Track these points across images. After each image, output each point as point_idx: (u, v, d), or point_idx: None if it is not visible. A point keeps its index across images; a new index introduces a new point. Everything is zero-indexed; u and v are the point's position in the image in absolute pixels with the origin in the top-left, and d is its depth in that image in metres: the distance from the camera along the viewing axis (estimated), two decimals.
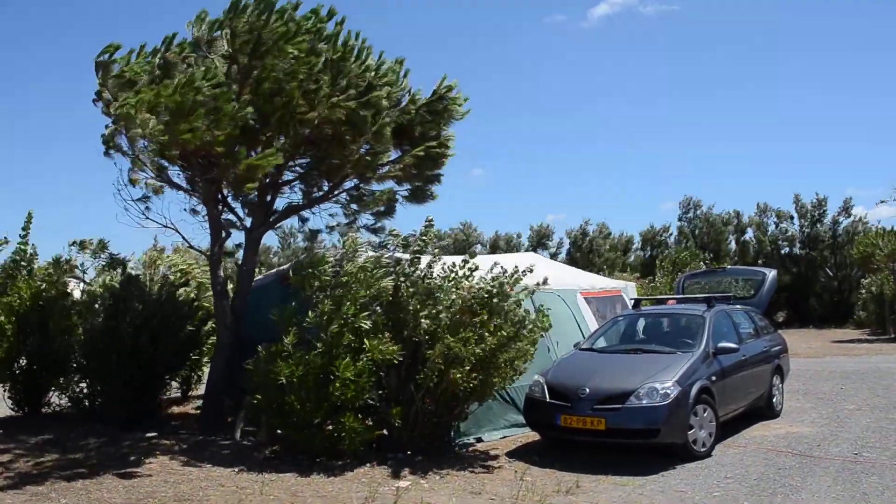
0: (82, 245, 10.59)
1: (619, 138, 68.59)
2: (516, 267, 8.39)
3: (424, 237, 8.63)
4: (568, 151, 68.38)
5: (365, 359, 7.65)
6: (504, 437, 9.08)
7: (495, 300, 8.02)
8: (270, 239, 42.28)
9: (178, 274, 11.08)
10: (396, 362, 7.82)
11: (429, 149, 9.45)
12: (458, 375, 7.64)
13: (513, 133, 71.15)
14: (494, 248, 36.83)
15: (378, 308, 8.08)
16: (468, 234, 38.39)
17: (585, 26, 68.81)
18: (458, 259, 8.59)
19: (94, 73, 7.11)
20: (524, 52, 72.81)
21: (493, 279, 8.14)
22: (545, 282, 8.68)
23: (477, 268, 8.33)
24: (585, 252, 35.18)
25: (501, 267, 8.34)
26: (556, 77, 72.21)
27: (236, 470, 7.55)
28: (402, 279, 8.15)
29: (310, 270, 8.08)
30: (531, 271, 8.44)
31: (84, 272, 10.74)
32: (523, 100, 72.97)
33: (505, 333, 7.92)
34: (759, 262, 30.47)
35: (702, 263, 28.52)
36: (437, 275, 8.27)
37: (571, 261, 32.58)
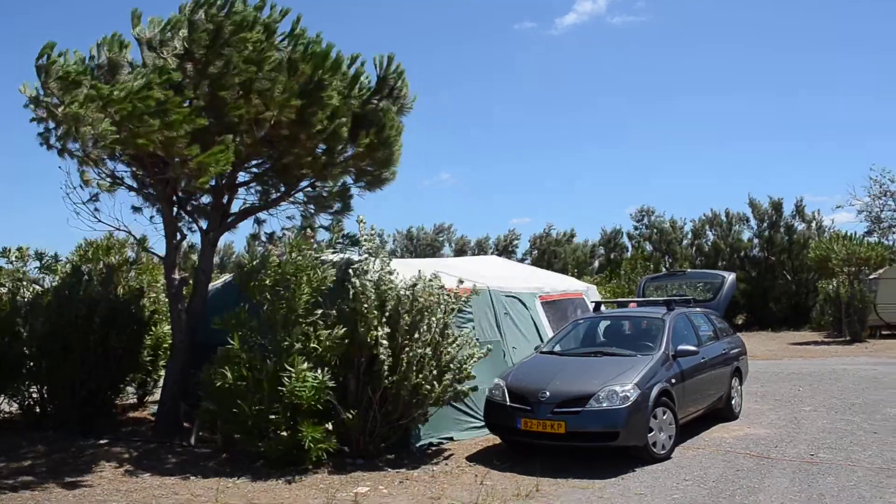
0: (4, 252, 10.35)
1: (586, 144, 69.21)
2: (435, 274, 8.45)
3: (372, 238, 8.57)
4: (535, 157, 68.83)
5: (318, 354, 7.55)
6: (464, 440, 9.01)
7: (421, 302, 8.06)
8: (239, 243, 41.88)
9: (124, 263, 10.82)
10: (352, 364, 7.75)
11: (378, 134, 9.33)
12: (408, 372, 7.66)
13: (480, 138, 71.40)
14: (460, 252, 36.91)
15: (332, 312, 8.00)
16: (434, 238, 38.45)
17: (554, 34, 69.36)
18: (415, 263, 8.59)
19: (36, 76, 6.91)
20: (493, 58, 73.18)
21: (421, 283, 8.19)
22: (461, 281, 8.67)
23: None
24: (548, 256, 35.43)
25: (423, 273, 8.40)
26: (525, 83, 72.72)
27: (191, 477, 7.40)
28: (352, 277, 8.09)
29: (254, 274, 7.95)
30: (461, 283, 8.53)
31: (21, 278, 10.45)
32: (492, 104, 73.24)
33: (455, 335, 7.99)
34: (720, 264, 30.82)
35: (663, 267, 28.82)
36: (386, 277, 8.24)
37: (535, 264, 32.73)
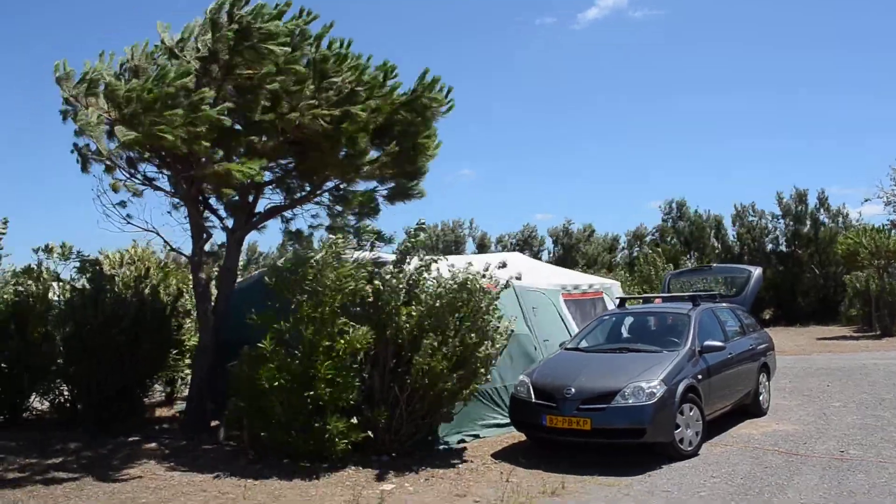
0: (48, 249, 10.48)
1: (607, 139, 68.95)
2: (487, 264, 8.36)
3: (413, 240, 8.54)
4: (556, 152, 68.63)
5: (342, 352, 7.58)
6: (489, 437, 9.01)
7: (467, 296, 7.99)
8: (263, 243, 42.21)
9: (148, 270, 10.96)
10: (378, 362, 7.76)
11: (406, 146, 9.35)
12: (436, 369, 7.63)
13: (502, 134, 71.31)
14: (482, 247, 36.93)
15: (358, 310, 8.02)
16: (456, 233, 38.47)
17: (576, 28, 69.00)
18: (451, 259, 8.57)
19: (59, 87, 7.04)
20: (516, 53, 73.01)
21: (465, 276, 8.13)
22: (519, 277, 8.59)
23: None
24: (568, 251, 35.34)
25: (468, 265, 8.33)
26: (547, 78, 72.45)
27: (219, 475, 7.45)
28: (382, 281, 8.09)
29: (288, 274, 7.98)
30: (504, 266, 8.42)
31: (58, 278, 10.61)
32: (513, 100, 73.09)
33: (474, 336, 7.94)
34: (745, 259, 30.57)
35: (688, 263, 28.62)
36: (420, 276, 8.22)
37: (555, 260, 32.70)
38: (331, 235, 8.86)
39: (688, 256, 32.42)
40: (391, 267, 8.28)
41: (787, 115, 64.54)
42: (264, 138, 8.74)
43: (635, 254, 35.38)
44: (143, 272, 10.74)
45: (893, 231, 25.47)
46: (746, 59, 67.39)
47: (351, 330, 7.73)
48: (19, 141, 63.37)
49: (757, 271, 12.02)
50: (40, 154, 65.75)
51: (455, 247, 36.90)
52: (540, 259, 31.65)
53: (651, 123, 68.15)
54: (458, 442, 8.68)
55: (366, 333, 7.69)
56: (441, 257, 8.57)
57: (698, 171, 63.49)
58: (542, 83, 72.78)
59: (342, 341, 7.65)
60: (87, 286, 9.96)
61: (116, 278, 10.36)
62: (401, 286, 8.00)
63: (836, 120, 61.88)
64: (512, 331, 8.44)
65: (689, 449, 7.92)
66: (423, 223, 8.80)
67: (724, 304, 10.51)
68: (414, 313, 7.87)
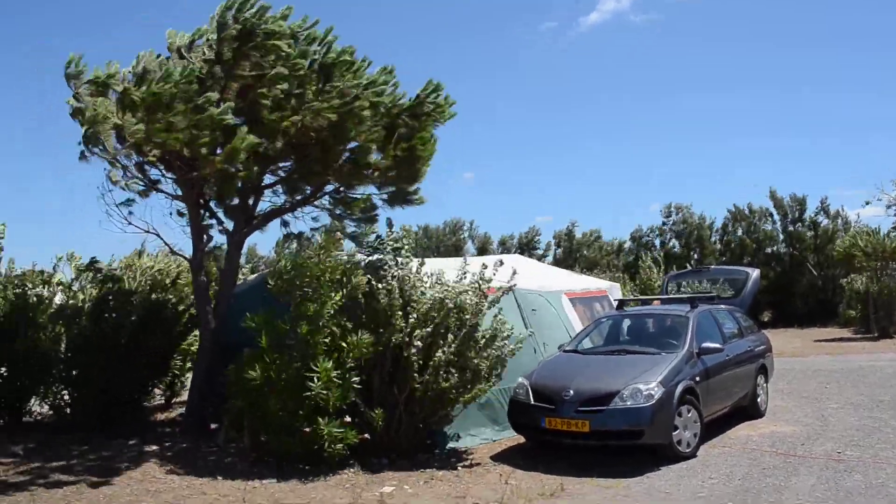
0: (71, 258, 10.55)
1: (608, 141, 68.89)
2: (484, 264, 8.41)
3: (400, 240, 8.59)
4: (557, 155, 68.67)
5: (346, 359, 7.62)
6: (489, 440, 9.04)
7: (470, 300, 8.04)
8: (263, 246, 42.21)
9: (159, 276, 11.02)
10: (378, 364, 7.80)
11: (409, 149, 9.40)
12: (436, 372, 7.65)
13: (504, 137, 71.35)
14: (483, 250, 36.92)
15: (358, 311, 8.06)
16: (457, 236, 38.49)
17: (581, 32, 69.17)
18: (443, 262, 8.60)
19: (66, 84, 7.07)
20: (518, 57, 73.10)
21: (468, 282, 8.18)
22: (511, 288, 8.59)
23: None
24: (572, 254, 35.39)
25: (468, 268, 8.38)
26: (549, 80, 72.49)
27: (219, 477, 7.49)
28: (378, 278, 8.13)
29: (287, 276, 8.02)
30: (501, 263, 8.46)
31: (70, 282, 10.66)
32: (515, 102, 73.11)
33: (482, 336, 7.97)
34: (744, 261, 30.63)
35: (687, 264, 28.69)
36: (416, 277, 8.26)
37: (558, 263, 32.71)
38: (331, 233, 8.92)
39: (688, 259, 32.52)
40: (387, 268, 8.32)
41: (791, 113, 64.64)
42: (265, 142, 8.78)
43: (632, 258, 35.42)
44: (164, 282, 10.82)
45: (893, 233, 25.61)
46: (748, 59, 67.40)
47: (354, 335, 7.76)
48: (18, 141, 63.41)
49: (755, 273, 12.06)
50: (39, 155, 65.68)
51: (455, 250, 36.86)
52: (543, 261, 31.70)
53: (653, 122, 68.18)
54: (458, 444, 8.71)
55: (369, 342, 7.73)
56: (419, 259, 8.62)
57: (701, 170, 63.61)
58: (544, 84, 72.80)
59: (345, 344, 7.69)
60: (96, 293, 10.02)
61: (133, 286, 10.46)
62: (396, 289, 8.04)
63: (839, 119, 61.99)
64: (522, 336, 8.44)
65: (688, 450, 7.95)
66: (391, 223, 8.89)
67: (722, 306, 10.54)
68: (411, 318, 7.91)
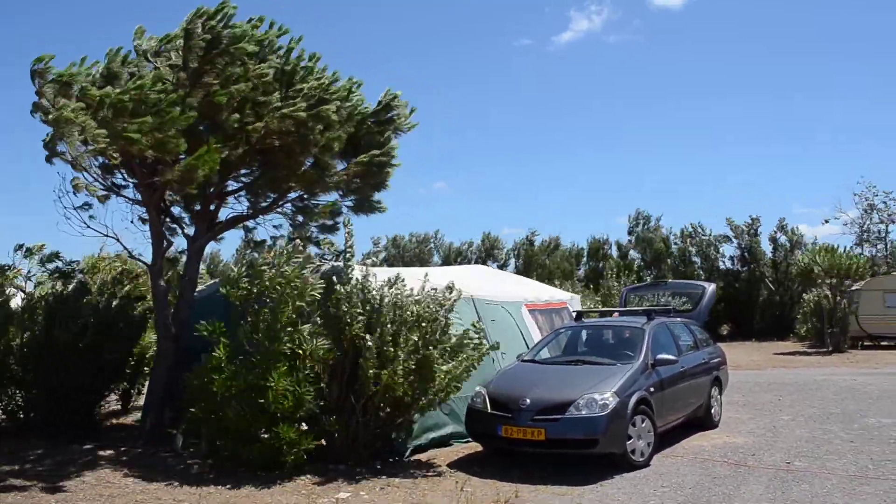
0: (29, 252, 10.40)
1: (575, 154, 69.66)
2: (451, 282, 8.50)
3: (350, 248, 8.66)
4: (529, 161, 69.26)
5: (303, 367, 7.64)
6: (446, 447, 9.10)
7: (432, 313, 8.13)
8: (225, 253, 41.93)
9: (122, 278, 10.94)
10: (336, 371, 7.83)
11: (372, 158, 9.49)
12: (392, 379, 7.69)
13: (475, 148, 71.76)
14: (448, 261, 36.99)
15: (317, 319, 8.08)
16: (421, 247, 38.56)
17: (551, 50, 69.78)
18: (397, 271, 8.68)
19: (31, 81, 7.02)
20: (491, 71, 73.66)
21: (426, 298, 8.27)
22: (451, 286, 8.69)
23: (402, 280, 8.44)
24: (532, 263, 35.63)
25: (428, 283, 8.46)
26: (522, 95, 73.07)
27: (174, 483, 7.45)
28: (335, 285, 8.18)
29: (242, 283, 8.02)
30: (452, 288, 8.54)
31: (27, 280, 10.52)
32: (486, 115, 73.59)
33: (446, 345, 8.01)
34: (702, 276, 31.10)
35: (646, 278, 29.09)
36: (372, 286, 8.31)
37: (519, 272, 32.92)
38: (292, 244, 8.94)
39: (648, 272, 32.99)
40: (344, 275, 8.36)
41: (782, 120, 65.92)
42: (228, 148, 8.79)
43: (595, 265, 35.81)
44: (114, 277, 10.70)
45: (856, 249, 26.24)
46: (737, 65, 68.65)
47: (309, 341, 7.78)
48: None
49: (711, 287, 12.30)
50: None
51: (419, 261, 36.90)
52: (505, 270, 31.86)
53: (643, 129, 69.01)
54: (416, 451, 8.75)
55: (324, 346, 7.75)
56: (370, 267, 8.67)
57: (691, 177, 64.58)
58: (517, 100, 73.36)
59: (301, 352, 7.71)
60: (57, 292, 9.91)
61: (88, 284, 10.33)
62: (355, 296, 8.09)
63: (831, 125, 63.45)
64: (488, 347, 8.44)
65: (641, 459, 8.08)
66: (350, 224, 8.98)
67: (678, 319, 10.73)
68: (366, 327, 7.96)
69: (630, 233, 36.82)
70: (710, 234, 33.50)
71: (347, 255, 8.59)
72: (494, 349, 8.50)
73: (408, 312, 8.03)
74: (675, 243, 34.70)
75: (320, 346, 7.73)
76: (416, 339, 7.92)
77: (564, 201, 64.91)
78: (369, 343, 7.79)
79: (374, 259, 8.71)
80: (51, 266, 10.52)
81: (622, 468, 7.90)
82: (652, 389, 8.52)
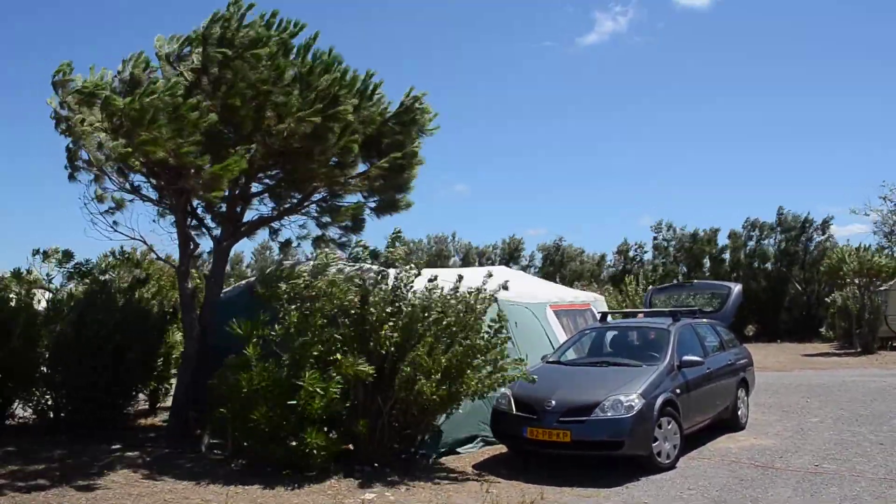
0: (45, 255, 10.53)
1: (599, 155, 69.43)
2: (486, 279, 8.46)
3: (391, 249, 8.66)
4: (549, 169, 69.06)
5: (335, 374, 7.67)
6: (472, 449, 9.10)
7: (465, 313, 8.08)
8: (247, 252, 42.25)
9: (147, 278, 11.06)
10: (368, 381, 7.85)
11: (395, 160, 9.51)
12: (426, 387, 7.67)
13: (495, 151, 71.74)
14: (466, 261, 37.01)
15: (346, 321, 8.09)
16: (440, 246, 38.61)
17: (573, 52, 69.61)
18: (431, 273, 8.65)
19: (53, 91, 7.12)
20: (515, 73, 73.62)
21: (460, 295, 8.21)
22: (505, 286, 8.66)
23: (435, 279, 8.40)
24: (557, 265, 35.55)
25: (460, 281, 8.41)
26: (545, 97, 72.96)
27: (201, 483, 7.50)
28: (369, 291, 8.17)
29: (279, 284, 8.07)
30: (490, 276, 8.51)
31: (50, 281, 10.67)
32: (507, 118, 73.56)
33: (474, 343, 7.99)
34: (733, 276, 30.82)
35: (675, 279, 28.92)
36: (407, 289, 8.29)
37: (544, 275, 32.85)
38: (321, 249, 8.98)
39: (676, 273, 32.74)
40: (376, 278, 8.36)
41: (805, 121, 65.46)
42: (251, 151, 8.84)
43: (621, 268, 35.60)
44: (138, 279, 10.82)
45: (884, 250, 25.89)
46: (763, 67, 68.15)
47: (348, 352, 7.79)
48: (10, 145, 63.23)
49: (737, 287, 12.17)
50: (30, 158, 65.50)
51: (439, 260, 36.93)
52: (528, 272, 31.81)
53: (647, 141, 68.66)
54: (442, 453, 8.75)
55: (368, 372, 7.72)
56: (414, 269, 8.64)
57: (695, 187, 64.16)
58: (539, 101, 73.21)
59: (334, 358, 7.72)
60: (80, 294, 10.02)
61: (109, 283, 10.43)
62: (385, 298, 8.09)
63: (844, 129, 62.87)
64: (522, 360, 8.32)
65: (667, 462, 8.03)
66: (399, 232, 8.93)
67: (704, 320, 10.65)
68: (396, 331, 7.94)
69: (655, 237, 36.59)
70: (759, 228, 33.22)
71: (390, 259, 8.56)
72: (510, 372, 8.38)
73: (445, 321, 8.03)
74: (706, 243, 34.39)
75: (360, 365, 7.70)
76: (450, 343, 7.93)
77: (586, 202, 64.69)
78: (398, 347, 7.80)
79: (415, 265, 8.58)
80: (69, 265, 10.64)
81: (648, 470, 7.86)
82: (678, 391, 8.46)
